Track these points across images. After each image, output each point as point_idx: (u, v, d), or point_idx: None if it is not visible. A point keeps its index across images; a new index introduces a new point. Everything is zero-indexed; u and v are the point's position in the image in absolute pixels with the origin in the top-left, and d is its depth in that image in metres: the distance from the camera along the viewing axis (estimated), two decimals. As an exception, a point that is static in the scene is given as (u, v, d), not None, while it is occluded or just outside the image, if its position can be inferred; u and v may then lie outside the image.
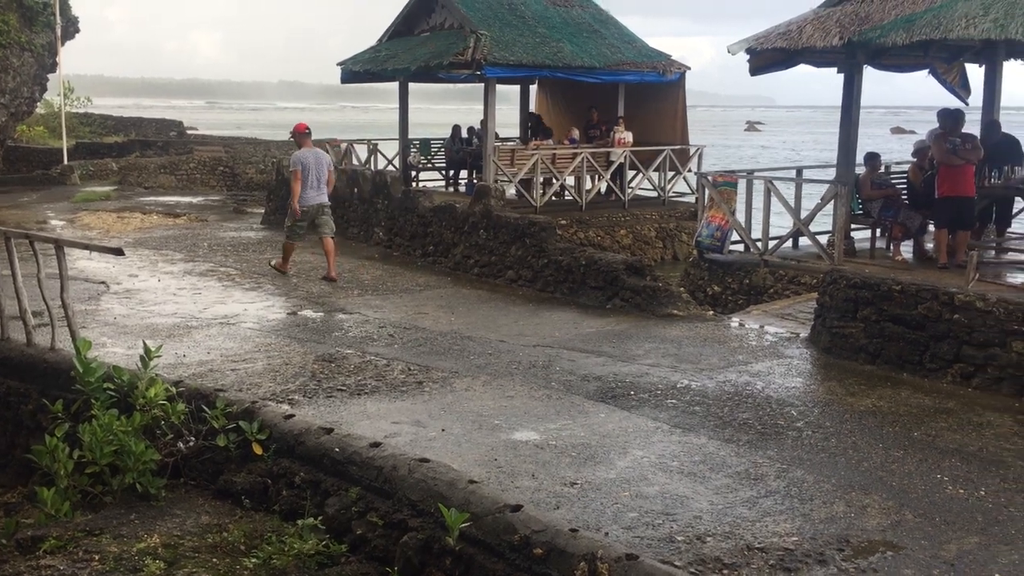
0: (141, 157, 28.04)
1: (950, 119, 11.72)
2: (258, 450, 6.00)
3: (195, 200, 22.50)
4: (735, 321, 10.37)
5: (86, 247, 8.80)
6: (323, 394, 7.37)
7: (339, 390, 7.48)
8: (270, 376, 7.84)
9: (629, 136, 19.75)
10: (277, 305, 10.98)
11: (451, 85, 23.79)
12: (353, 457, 5.58)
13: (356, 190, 16.21)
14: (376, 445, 5.65)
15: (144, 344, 6.72)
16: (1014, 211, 13.74)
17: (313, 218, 12.60)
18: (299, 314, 10.49)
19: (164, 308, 10.53)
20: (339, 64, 21.34)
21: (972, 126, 12.18)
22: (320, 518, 5.40)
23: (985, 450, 6.31)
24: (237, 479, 6.02)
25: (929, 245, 12.56)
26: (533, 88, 22.76)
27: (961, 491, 5.62)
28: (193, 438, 6.20)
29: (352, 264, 13.75)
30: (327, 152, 15.24)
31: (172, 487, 6.08)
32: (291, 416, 6.22)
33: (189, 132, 40.35)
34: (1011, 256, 12.73)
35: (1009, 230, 13.71)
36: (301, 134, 12.83)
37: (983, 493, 5.58)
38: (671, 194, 20.41)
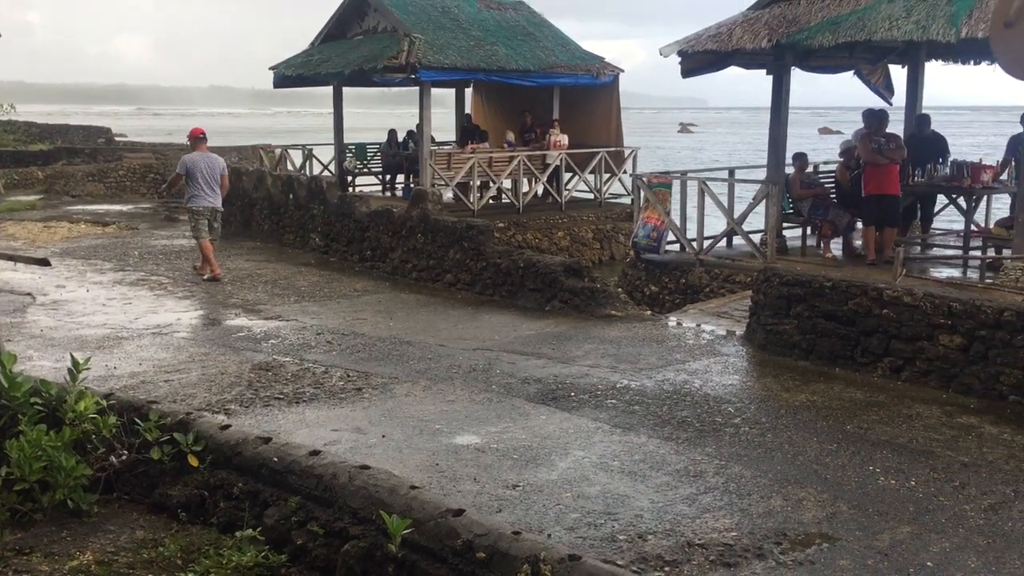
0: (68, 165, 27.31)
1: (874, 119, 12.03)
2: (194, 462, 5.88)
3: (125, 208, 22.01)
4: (672, 320, 10.49)
5: (11, 258, 8.56)
6: (260, 403, 7.26)
7: (277, 399, 7.38)
8: (205, 386, 7.69)
9: (564, 139, 19.86)
10: (212, 314, 10.79)
11: (387, 89, 23.67)
12: (292, 466, 5.50)
13: (291, 196, 16.03)
14: (315, 453, 5.58)
15: (72, 357, 6.55)
16: (937, 208, 14.15)
17: (209, 220, 12.95)
18: (235, 322, 10.32)
19: (94, 319, 10.27)
20: (271, 68, 21.09)
21: (895, 126, 12.51)
22: (259, 529, 5.31)
23: (915, 441, 6.48)
24: (172, 492, 5.90)
25: (858, 242, 12.87)
26: (468, 91, 22.76)
27: (893, 482, 5.75)
28: (126, 452, 6.05)
29: (289, 271, 13.59)
30: (258, 157, 15.08)
31: (105, 502, 5.92)
32: (227, 426, 6.11)
33: (118, 139, 39.47)
34: (936, 252, 13.11)
35: (933, 226, 14.12)
36: (196, 138, 13.22)
37: (914, 483, 5.73)
38: (607, 196, 20.58)
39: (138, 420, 6.15)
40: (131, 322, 10.17)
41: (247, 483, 5.66)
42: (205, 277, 12.72)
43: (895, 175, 11.68)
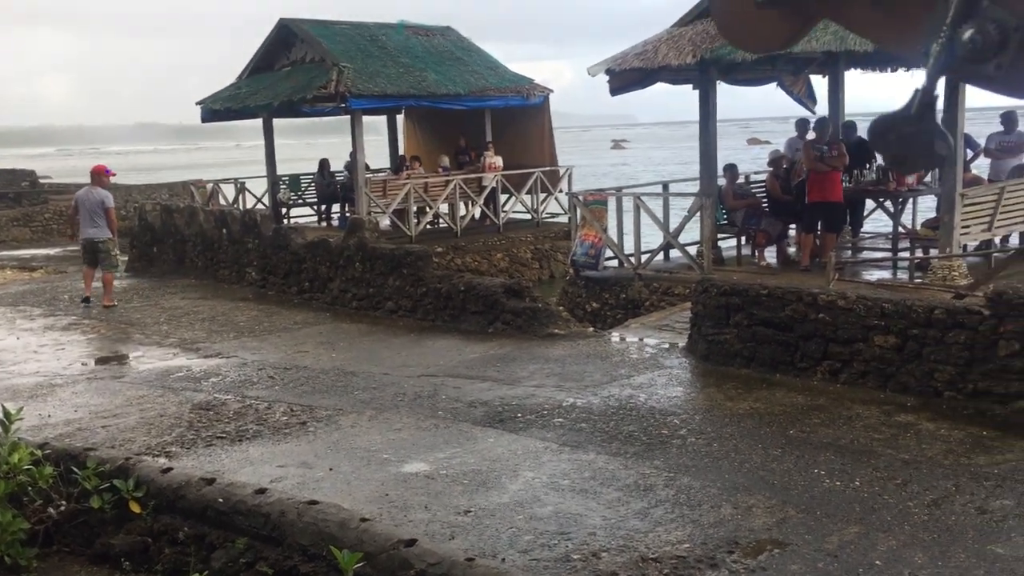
0: (-9, 211, 26.61)
1: (819, 127, 12.36)
2: (136, 508, 5.73)
3: (53, 252, 21.49)
4: (615, 336, 10.56)
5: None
6: (202, 443, 7.11)
7: (219, 438, 7.23)
8: (144, 429, 7.51)
9: (499, 160, 19.95)
10: (148, 354, 10.56)
11: (318, 119, 23.56)
12: (238, 506, 5.39)
13: (225, 231, 15.80)
14: (262, 491, 5.48)
15: (3, 407, 6.34)
16: (865, 212, 14.51)
17: (92, 251, 13.61)
18: (172, 362, 10.11)
19: (25, 367, 9.98)
20: (198, 103, 20.84)
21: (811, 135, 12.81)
22: (206, 573, 5.19)
23: (857, 442, 6.60)
24: (115, 541, 5.73)
25: (791, 249, 13.13)
26: (400, 118, 22.76)
27: (838, 483, 5.84)
28: (64, 502, 5.87)
29: (226, 307, 13.37)
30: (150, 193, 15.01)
31: (44, 556, 5.73)
32: (169, 469, 5.97)
33: (43, 181, 38.49)
34: (866, 255, 13.43)
35: (863, 230, 14.47)
36: (93, 174, 13.98)
37: (858, 483, 5.83)
38: (544, 215, 20.71)
39: (76, 468, 5.98)
40: (64, 368, 9.90)
41: (192, 526, 5.54)
42: (80, 300, 13.70)
43: (838, 182, 11.97)
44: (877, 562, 4.78)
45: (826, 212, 11.87)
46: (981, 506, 5.42)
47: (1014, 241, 13.19)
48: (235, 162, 79.88)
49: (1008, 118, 13.06)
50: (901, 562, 4.77)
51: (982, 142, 13.35)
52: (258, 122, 20.69)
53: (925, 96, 2.45)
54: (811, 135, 12.75)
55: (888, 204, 13.79)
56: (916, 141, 2.53)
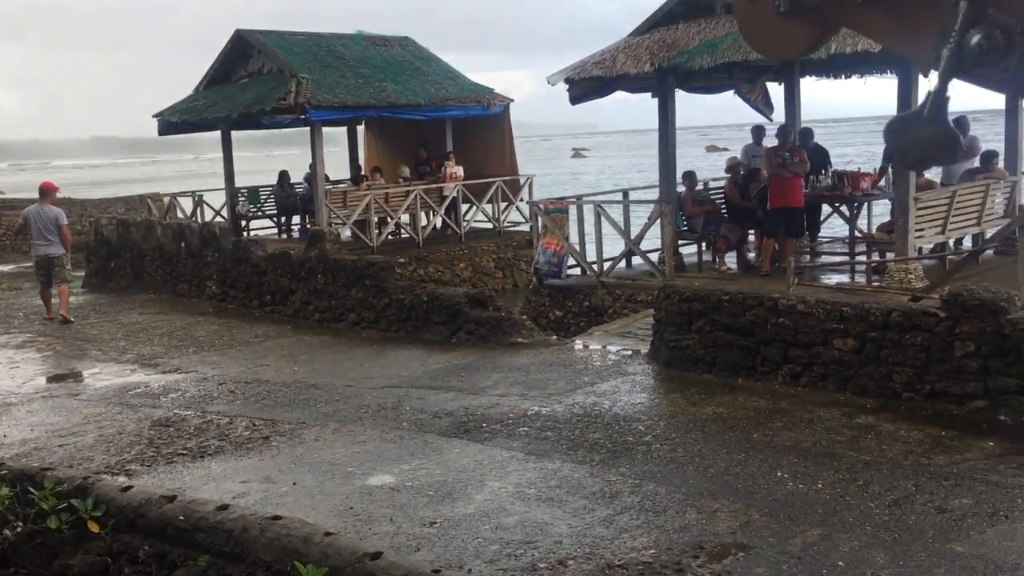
0: (-58, 228, 26.06)
1: (781, 134, 12.54)
2: (95, 528, 5.63)
3: (6, 268, 21.13)
4: (578, 343, 10.59)
5: None
6: (163, 461, 7.00)
7: (180, 454, 7.13)
8: (103, 448, 7.39)
9: (460, 170, 19.95)
10: (105, 371, 10.39)
11: (277, 130, 23.40)
12: (200, 523, 5.32)
13: (184, 244, 15.62)
14: (224, 508, 5.41)
15: (-43, 428, 6.22)
16: (822, 217, 14.70)
17: (46, 267, 13.70)
18: (131, 378, 9.96)
19: (-22, 386, 9.78)
20: (155, 116, 20.61)
21: (774, 140, 12.97)
22: (169, 592, 5.11)
23: (818, 444, 6.67)
24: (73, 562, 5.62)
25: (751, 254, 13.27)
26: (361, 129, 22.68)
27: (801, 486, 5.90)
28: (21, 523, 5.76)
29: (185, 321, 13.21)
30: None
31: (0, 579, 5.62)
32: (129, 488, 5.87)
33: (-5, 196, 37.87)
34: (824, 259, 13.60)
35: (820, 235, 14.66)
36: (41, 191, 13.96)
37: (820, 486, 5.88)
38: (506, 224, 20.72)
39: (32, 489, 5.87)
40: (19, 386, 9.72)
41: (153, 545, 5.45)
42: (44, 317, 13.72)
43: (799, 188, 12.13)
44: (840, 563, 4.83)
45: (788, 217, 12.02)
46: (940, 505, 5.50)
47: (967, 243, 13.43)
48: (193, 175, 79.08)
49: (960, 123, 13.32)
50: (863, 562, 4.82)
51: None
52: (216, 134, 20.50)
53: (937, 98, 2.59)
54: (773, 142, 12.91)
55: (844, 208, 13.98)
56: (930, 140, 2.67)
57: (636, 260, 13.85)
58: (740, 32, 3.43)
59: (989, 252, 12.44)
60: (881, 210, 15.18)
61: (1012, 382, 7.02)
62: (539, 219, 13.84)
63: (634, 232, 13.50)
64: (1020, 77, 2.45)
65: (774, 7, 2.88)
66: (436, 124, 20.29)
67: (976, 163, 12.97)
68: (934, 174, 13.90)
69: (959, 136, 2.73)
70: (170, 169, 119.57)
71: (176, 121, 19.88)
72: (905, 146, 2.81)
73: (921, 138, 2.70)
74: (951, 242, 12.68)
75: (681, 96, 13.57)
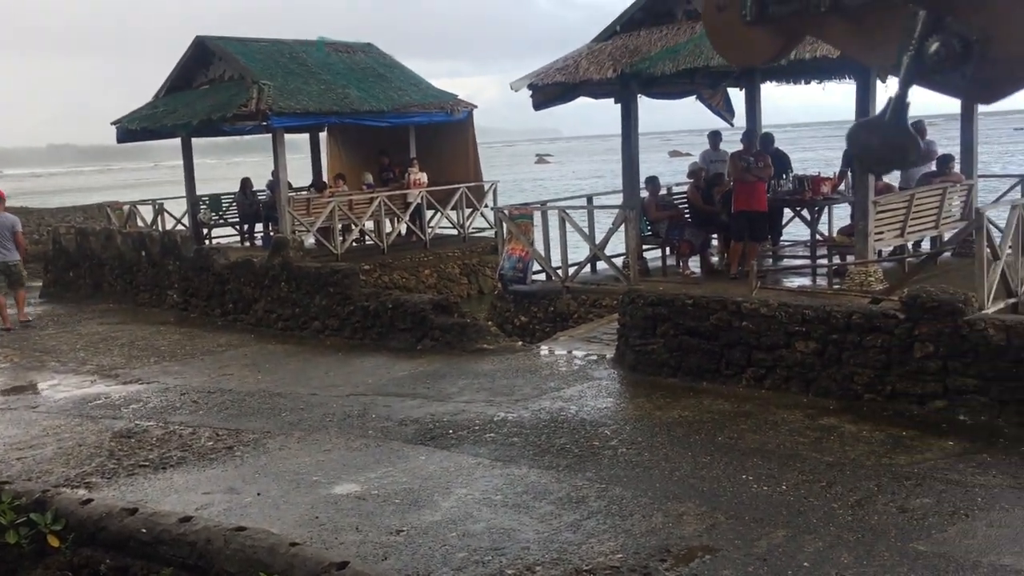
0: None
1: (746, 138, 12.66)
2: (54, 542, 5.54)
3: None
4: (544, 349, 10.60)
5: None
6: (124, 473, 6.90)
7: (142, 466, 7.03)
8: (62, 460, 7.26)
9: (424, 176, 19.91)
10: (65, 382, 10.23)
11: (239, 137, 23.21)
12: (162, 536, 5.25)
13: (144, 253, 15.43)
14: (187, 519, 5.35)
15: (-90, 442, 6.08)
16: (784, 221, 14.85)
17: (5, 274, 14.03)
18: (91, 389, 9.81)
19: (-67, 400, 9.58)
20: (113, 123, 20.35)
21: (737, 145, 13.10)
22: (131, 606, 5.03)
23: (783, 446, 6.72)
24: (33, 577, 5.53)
25: (715, 259, 13.37)
26: (323, 136, 22.56)
27: (765, 488, 5.94)
28: (-23, 539, 5.64)
29: (146, 331, 13.04)
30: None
31: (-44, 597, 5.50)
32: (89, 501, 5.79)
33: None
34: (786, 262, 13.75)
35: (782, 239, 14.81)
36: None
37: (785, 487, 5.93)
38: (471, 230, 20.70)
39: (-11, 504, 5.76)
40: (-25, 399, 9.53)
41: (115, 559, 5.38)
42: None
43: (763, 192, 12.24)
44: (805, 564, 4.87)
45: (751, 221, 12.13)
46: (902, 505, 5.57)
47: (925, 246, 13.64)
48: (153, 183, 78.19)
49: (918, 127, 13.52)
50: (828, 563, 4.87)
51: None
52: (176, 142, 20.29)
53: (898, 104, 2.66)
54: (737, 147, 13.04)
55: (805, 212, 14.14)
56: (891, 145, 2.74)
57: (601, 265, 13.90)
58: (708, 39, 3.49)
59: (947, 254, 12.65)
60: (841, 214, 15.37)
61: (970, 382, 7.14)
62: (504, 225, 13.84)
63: (599, 237, 13.55)
64: (977, 84, 2.52)
65: (741, 16, 2.93)
66: (399, 130, 20.23)
67: (933, 167, 13.18)
68: (892, 178, 14.11)
69: (919, 141, 2.81)
70: (129, 177, 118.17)
71: (135, 128, 19.64)
72: (867, 150, 2.88)
73: (882, 143, 2.77)
74: (910, 245, 12.86)
75: (644, 102, 13.66)
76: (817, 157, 54.95)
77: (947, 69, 2.51)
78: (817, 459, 6.41)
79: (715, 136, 14.82)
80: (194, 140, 20.47)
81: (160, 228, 20.41)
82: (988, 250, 9.48)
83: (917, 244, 13.43)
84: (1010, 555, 4.87)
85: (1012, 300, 9.86)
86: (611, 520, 5.55)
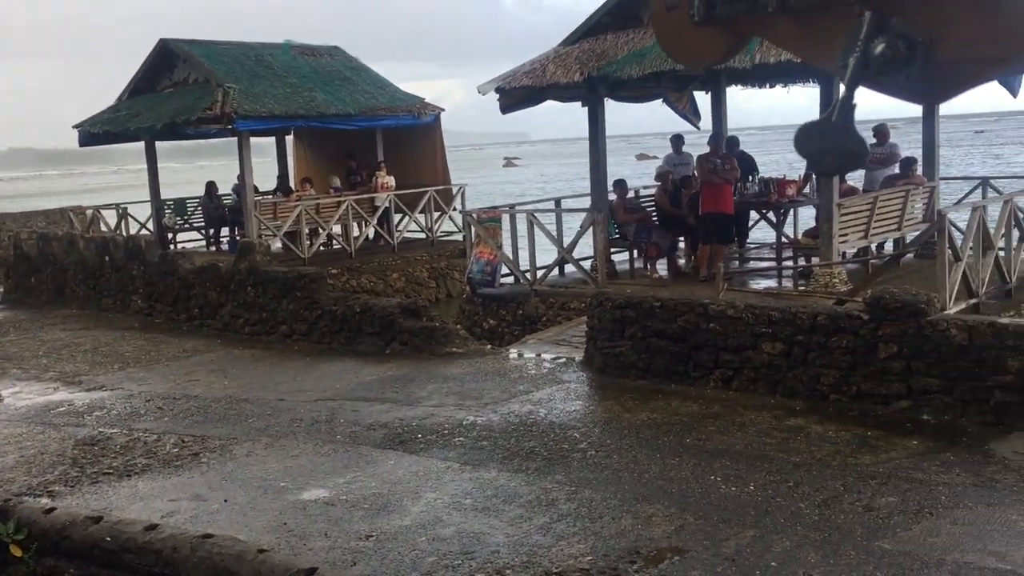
0: None
1: (713, 141, 12.73)
2: (17, 552, 5.45)
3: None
4: (513, 352, 10.59)
5: None
6: (88, 481, 6.80)
7: (106, 474, 6.94)
8: (24, 468, 7.14)
9: (391, 180, 19.83)
10: (26, 390, 10.07)
11: (204, 141, 22.99)
12: (127, 544, 5.18)
13: (108, 258, 15.24)
14: (152, 527, 5.28)
15: None
16: (750, 223, 14.97)
17: None
18: (53, 396, 9.66)
19: None
20: (75, 126, 20.07)
21: (702, 148, 13.19)
22: (95, 617, 4.96)
23: (750, 447, 6.77)
24: (-6, 588, 5.43)
25: (681, 261, 13.45)
26: (290, 139, 22.40)
27: (733, 488, 5.98)
28: (-64, 550, 5.54)
29: (110, 337, 12.88)
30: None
31: (-85, 610, 5.39)
32: (52, 509, 5.70)
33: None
34: (752, 264, 13.86)
35: (748, 241, 14.92)
36: None
37: (752, 488, 5.98)
38: (439, 234, 20.65)
39: (-52, 514, 5.65)
40: (-66, 408, 9.35)
41: (79, 568, 5.30)
42: None
43: (729, 194, 12.32)
44: (773, 563, 4.91)
45: (718, 223, 12.21)
46: (868, 504, 5.63)
47: (888, 247, 13.80)
48: (117, 187, 77.24)
49: (880, 131, 13.68)
50: (795, 562, 4.91)
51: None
52: (140, 145, 20.04)
53: (844, 105, 2.67)
54: (705, 149, 13.11)
55: (771, 215, 14.26)
56: (838, 147, 2.75)
57: (569, 268, 13.92)
58: (658, 41, 3.49)
59: (909, 256, 12.81)
60: (806, 216, 15.51)
61: (934, 382, 7.23)
62: (472, 228, 13.83)
63: (567, 240, 13.57)
64: (922, 85, 2.54)
65: (689, 16, 2.94)
66: (367, 134, 20.13)
67: (896, 170, 13.34)
68: (856, 180, 14.27)
69: (866, 143, 2.81)
70: (92, 181, 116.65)
71: (98, 132, 19.38)
72: (815, 153, 2.89)
73: (830, 145, 2.78)
74: (873, 246, 13.01)
75: (611, 105, 13.71)
76: (782, 160, 55.43)
77: (892, 70, 2.53)
78: (784, 459, 6.46)
79: (677, 139, 14.89)
80: (158, 144, 20.24)
81: (124, 233, 20.15)
82: (950, 251, 9.61)
83: (880, 246, 13.59)
84: (973, 553, 4.94)
85: (973, 300, 10.00)
86: (581, 522, 5.56)
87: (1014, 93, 13.20)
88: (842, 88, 2.69)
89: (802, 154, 3.11)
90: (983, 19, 2.42)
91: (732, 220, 12.57)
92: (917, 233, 12.85)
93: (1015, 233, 11.17)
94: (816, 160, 3.02)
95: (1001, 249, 10.84)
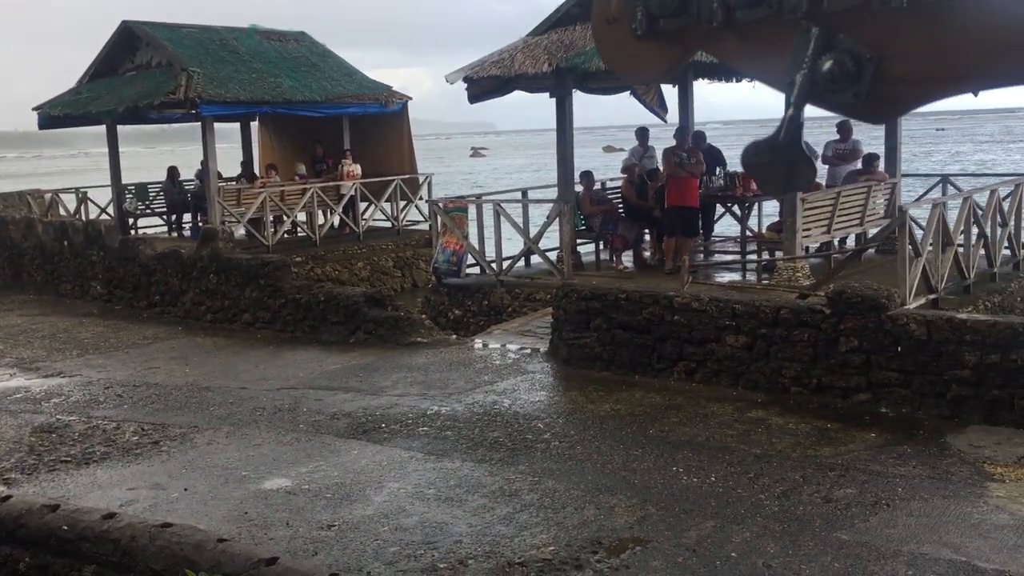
0: None
1: (679, 134, 12.77)
2: (-30, 541, 5.35)
3: None
4: (478, 342, 10.59)
5: None
6: (44, 468, 6.70)
7: (63, 462, 6.84)
8: (-21, 456, 7.02)
9: (358, 168, 19.69)
10: (-18, 376, 9.89)
11: (167, 126, 22.67)
12: (85, 532, 5.11)
13: (66, 243, 14.99)
14: (111, 516, 5.21)
15: None
16: (716, 216, 15.06)
17: None
18: (9, 383, 9.50)
19: None
20: (35, 109, 19.70)
21: (668, 141, 13.24)
22: (51, 606, 4.89)
23: (712, 439, 6.83)
24: (-54, 578, 5.33)
25: (647, 253, 13.50)
26: (255, 125, 22.16)
27: (695, 480, 6.03)
28: None
29: (68, 323, 12.68)
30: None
31: None
32: (7, 497, 5.60)
33: None
34: (717, 258, 13.95)
35: (713, 234, 15.02)
36: None
37: (714, 479, 6.03)
38: (405, 223, 20.56)
39: (-101, 502, 5.54)
40: None
41: (35, 556, 5.22)
42: None
43: (695, 188, 12.37)
44: (733, 554, 4.95)
45: (684, 216, 12.27)
46: (827, 495, 5.70)
47: (851, 242, 13.96)
48: (76, 171, 75.98)
49: (843, 127, 13.82)
50: (755, 553, 4.96)
51: (819, 150, 14.08)
52: (101, 129, 19.73)
53: (792, 123, 2.63)
54: (672, 142, 13.16)
55: (736, 209, 14.35)
56: (785, 164, 2.72)
57: (535, 259, 13.92)
58: (598, 52, 3.42)
59: (871, 251, 12.96)
60: (770, 210, 15.64)
61: (893, 376, 7.34)
62: (438, 218, 13.78)
63: (533, 231, 13.57)
64: (869, 103, 2.52)
65: (631, 29, 2.88)
66: (333, 121, 19.97)
67: (859, 165, 13.49)
68: (819, 176, 14.40)
69: (814, 162, 2.80)
70: (51, 165, 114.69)
71: (58, 115, 19.04)
72: (761, 169, 2.86)
73: (778, 163, 2.75)
74: (836, 241, 13.15)
75: (578, 96, 13.70)
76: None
77: (840, 88, 2.51)
78: (745, 451, 6.52)
79: (643, 132, 14.93)
80: (120, 128, 19.94)
81: (83, 217, 19.83)
82: (910, 247, 9.74)
83: (842, 241, 13.74)
84: (929, 544, 5.03)
85: (933, 296, 10.15)
86: (544, 513, 5.58)
87: (975, 92, 13.38)
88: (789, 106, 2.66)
89: (749, 171, 3.08)
90: (932, 36, 2.40)
91: (697, 213, 12.64)
92: (879, 229, 13.01)
93: (974, 230, 11.35)
94: (764, 178, 2.98)
95: (960, 245, 11.00)
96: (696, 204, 12.42)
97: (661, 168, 13.10)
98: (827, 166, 13.74)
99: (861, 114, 2.61)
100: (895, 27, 2.42)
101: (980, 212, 11.38)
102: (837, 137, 13.79)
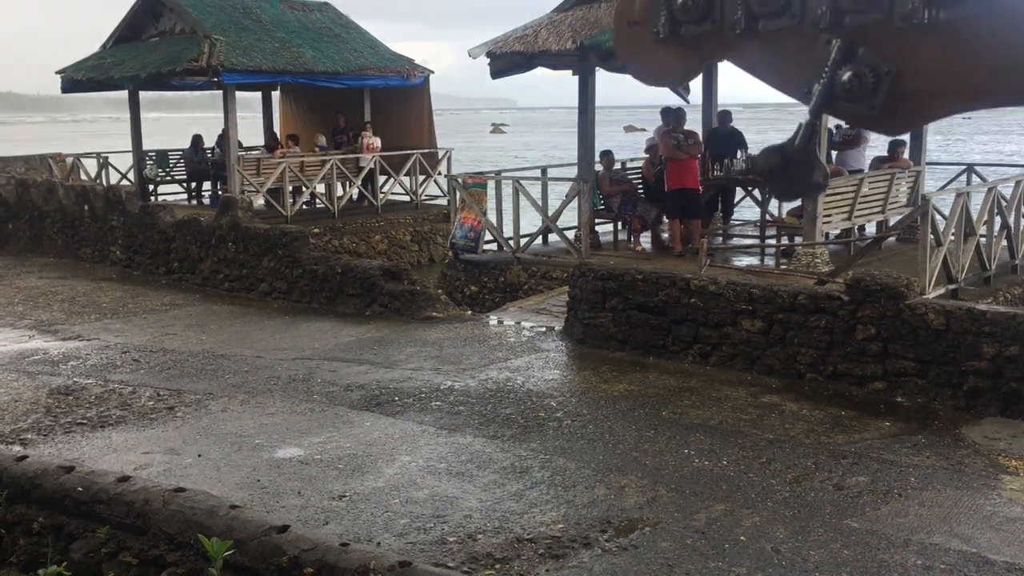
0: None
1: (672, 116, 12.63)
2: (-14, 499, 5.41)
3: None
4: (493, 319, 10.59)
5: None
6: (61, 430, 6.77)
7: (79, 424, 6.90)
8: (-3, 416, 7.10)
9: (377, 141, 19.68)
10: (1, 337, 9.97)
11: (189, 93, 22.69)
12: (99, 495, 5.16)
13: (87, 207, 15.07)
14: (125, 479, 5.25)
15: None
16: (736, 200, 14.98)
17: None
18: (28, 344, 9.59)
19: None
20: (58, 72, 19.76)
21: (695, 124, 13.16)
22: (65, 564, 4.94)
23: (725, 423, 6.82)
24: (-37, 534, 5.40)
25: (665, 235, 13.45)
26: (276, 95, 22.15)
27: (707, 463, 6.03)
28: (-95, 494, 5.49)
29: (88, 287, 12.77)
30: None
31: None
32: (24, 457, 5.66)
33: None
34: (736, 241, 13.89)
35: (733, 218, 14.94)
36: None
37: (725, 463, 6.02)
38: (424, 197, 20.55)
39: (-82, 458, 5.60)
40: (-93, 351, 9.26)
41: (49, 516, 5.27)
42: None
43: (694, 169, 12.29)
44: (742, 538, 4.95)
45: (683, 198, 12.21)
46: (838, 483, 5.69)
47: (871, 230, 13.86)
48: (98, 135, 76.33)
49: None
50: (764, 537, 4.96)
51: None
52: (123, 94, 19.77)
53: (808, 130, 2.67)
54: (689, 125, 13.07)
55: (756, 192, 14.26)
56: (798, 170, 2.75)
57: (552, 237, 13.90)
58: (617, 54, 3.45)
59: (891, 239, 12.87)
60: (791, 195, 15.52)
61: (909, 365, 7.29)
62: (457, 193, 13.76)
63: (551, 209, 13.54)
64: (885, 115, 2.56)
65: (653, 33, 2.89)
66: (354, 93, 19.94)
67: (865, 151, 13.37)
68: (829, 162, 14.26)
69: (827, 170, 2.83)
70: (73, 128, 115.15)
71: (81, 79, 19.09)
72: (772, 173, 2.88)
73: (788, 167, 2.79)
74: (856, 228, 13.05)
75: (601, 75, 13.60)
76: (771, 139, 55.45)
77: (857, 99, 2.54)
78: (758, 436, 6.51)
79: (667, 113, 14.84)
80: (142, 94, 19.98)
81: (104, 182, 19.92)
82: (932, 236, 9.66)
83: (862, 228, 13.64)
84: (940, 534, 5.01)
85: (952, 286, 10.08)
86: (554, 490, 5.59)
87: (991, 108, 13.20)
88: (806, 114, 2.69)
89: (761, 176, 3.10)
90: (949, 52, 2.42)
91: (699, 195, 12.56)
92: (900, 216, 12.91)
93: (997, 220, 11.24)
94: (772, 181, 3.01)
95: (982, 236, 10.90)
96: (696, 186, 12.35)
97: (659, 151, 12.97)
98: (836, 152, 13.60)
99: (877, 126, 2.65)
100: (914, 42, 2.45)
101: (1004, 203, 11.26)
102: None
